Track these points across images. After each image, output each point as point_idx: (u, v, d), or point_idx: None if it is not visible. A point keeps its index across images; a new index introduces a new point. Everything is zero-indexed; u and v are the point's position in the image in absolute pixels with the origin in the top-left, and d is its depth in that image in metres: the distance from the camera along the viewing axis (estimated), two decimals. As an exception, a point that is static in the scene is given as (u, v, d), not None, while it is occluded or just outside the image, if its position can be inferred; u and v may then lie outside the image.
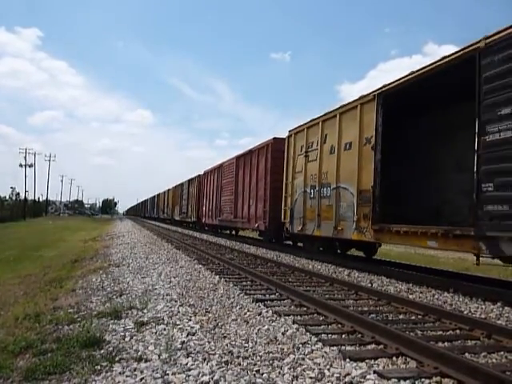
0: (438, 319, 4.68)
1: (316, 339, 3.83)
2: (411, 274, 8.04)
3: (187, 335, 3.86)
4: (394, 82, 8.09)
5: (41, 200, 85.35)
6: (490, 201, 5.93)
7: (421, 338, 3.79)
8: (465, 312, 5.23)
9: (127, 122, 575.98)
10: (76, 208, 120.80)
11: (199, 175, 25.70)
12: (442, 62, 7.02)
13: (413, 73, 7.59)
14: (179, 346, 3.56)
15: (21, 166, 64.19)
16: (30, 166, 65.52)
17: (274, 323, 4.36)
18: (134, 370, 3.04)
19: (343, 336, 4.03)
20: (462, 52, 6.61)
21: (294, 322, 4.40)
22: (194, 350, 3.47)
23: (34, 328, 4.20)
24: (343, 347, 3.63)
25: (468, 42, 6.46)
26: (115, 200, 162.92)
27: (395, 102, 8.46)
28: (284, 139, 12.88)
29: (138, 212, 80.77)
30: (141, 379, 2.87)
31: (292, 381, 2.90)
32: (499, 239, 5.80)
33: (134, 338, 3.80)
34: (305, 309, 5.12)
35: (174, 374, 2.96)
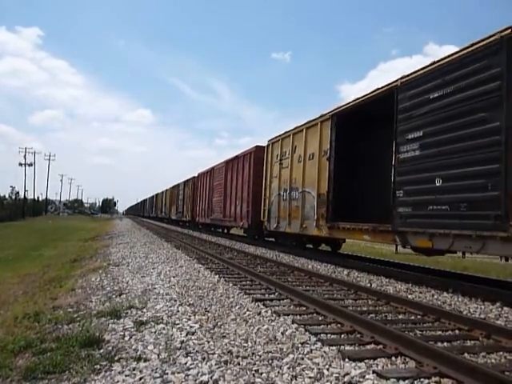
0: (437, 319, 4.69)
1: (315, 339, 3.83)
2: (410, 273, 8.05)
3: (186, 335, 3.87)
4: (343, 106, 9.91)
5: (40, 199, 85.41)
6: (400, 204, 7.64)
7: (420, 338, 3.80)
8: (464, 312, 5.23)
9: (127, 122, 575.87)
10: (76, 207, 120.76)
11: (194, 177, 27.05)
12: (374, 93, 8.75)
13: (356, 99, 9.37)
14: (178, 345, 3.56)
15: (20, 165, 64.21)
16: (30, 165, 65.54)
17: (273, 323, 4.37)
18: (134, 369, 3.04)
19: (342, 336, 4.04)
20: (386, 87, 8.34)
21: (293, 322, 4.40)
22: (194, 349, 3.47)
23: (33, 327, 4.20)
24: (342, 347, 3.63)
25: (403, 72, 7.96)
26: (115, 199, 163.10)
27: (350, 120, 10.13)
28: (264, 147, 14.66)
29: (138, 211, 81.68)
30: (140, 378, 2.87)
31: (291, 380, 2.90)
32: (406, 233, 7.54)
33: (134, 337, 3.80)
34: (304, 308, 5.12)
35: (173, 373, 2.96)
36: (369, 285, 7.15)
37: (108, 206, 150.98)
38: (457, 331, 4.31)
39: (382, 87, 8.46)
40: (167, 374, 2.95)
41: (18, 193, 66.27)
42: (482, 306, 5.61)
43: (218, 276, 7.45)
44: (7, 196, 66.07)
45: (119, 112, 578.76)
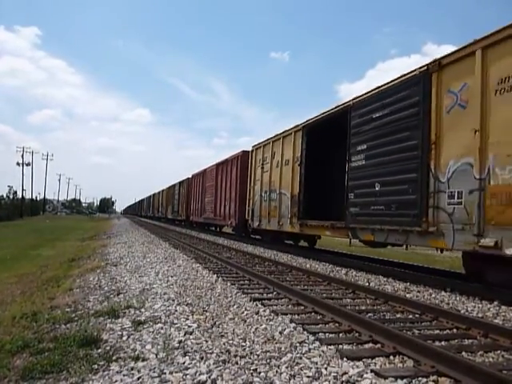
0: (435, 318, 4.70)
1: (313, 338, 3.83)
2: (408, 273, 8.07)
3: (184, 334, 3.86)
4: (312, 119, 11.37)
5: (38, 199, 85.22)
6: (351, 205, 9.18)
7: (418, 337, 3.80)
8: (462, 311, 5.24)
9: (126, 121, 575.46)
10: (73, 207, 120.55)
11: (188, 178, 28.65)
12: (335, 109, 10.27)
13: (321, 114, 10.93)
14: (176, 344, 3.56)
15: (18, 164, 64.08)
16: (28, 164, 65.41)
17: (271, 322, 4.37)
18: (132, 369, 3.04)
19: (340, 335, 4.04)
20: (342, 106, 9.93)
21: (291, 321, 4.40)
22: (192, 348, 3.47)
23: (31, 327, 4.19)
24: (340, 346, 3.63)
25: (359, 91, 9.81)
26: (113, 199, 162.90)
27: (321, 130, 11.36)
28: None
29: (136, 211, 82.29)
30: (138, 378, 2.87)
31: (289, 380, 2.90)
32: (356, 229, 9.09)
33: (132, 337, 3.80)
34: (302, 308, 5.13)
35: (171, 373, 2.96)
36: (367, 284, 7.16)
37: (106, 205, 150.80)
38: (454, 330, 4.32)
39: (340, 105, 10.06)
40: (165, 373, 2.95)
41: (15, 192, 66.11)
42: (480, 305, 5.62)
43: (216, 275, 7.44)
44: (5, 196, 65.90)
45: (118, 111, 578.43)
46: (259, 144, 15.11)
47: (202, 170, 24.05)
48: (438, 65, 7.09)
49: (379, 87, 8.52)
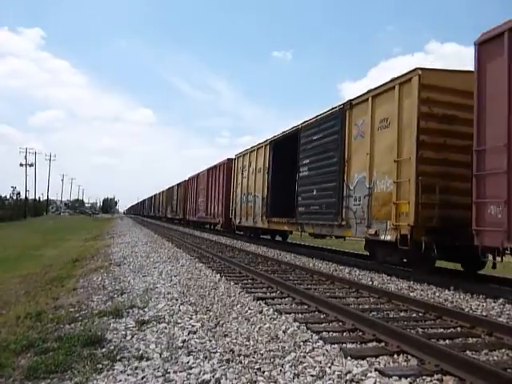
0: (438, 317, 4.68)
1: (317, 337, 3.83)
2: (412, 271, 8.04)
3: (188, 334, 3.87)
4: (277, 136, 14.13)
5: (41, 199, 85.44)
6: (299, 205, 11.83)
7: (422, 336, 3.79)
8: (466, 310, 5.23)
9: (128, 121, 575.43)
10: (76, 207, 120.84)
11: (185, 180, 31.05)
12: (291, 130, 12.87)
13: (282, 132, 13.59)
14: (180, 344, 3.56)
15: (21, 165, 64.21)
16: (31, 165, 65.53)
17: (275, 321, 4.37)
18: (136, 368, 3.04)
19: (344, 334, 4.04)
20: (295, 128, 12.49)
21: (295, 320, 4.40)
22: (195, 348, 3.47)
23: (35, 327, 4.21)
24: (344, 345, 3.63)
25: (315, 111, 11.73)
26: (116, 199, 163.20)
27: (282, 146, 13.84)
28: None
29: (138, 211, 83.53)
30: (142, 378, 2.87)
31: (293, 379, 2.90)
32: (302, 224, 11.72)
33: (136, 336, 3.81)
34: (306, 307, 5.12)
35: (175, 372, 2.96)
36: (370, 283, 7.14)
37: (109, 205, 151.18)
38: (459, 329, 4.31)
39: (294, 127, 12.64)
40: (169, 372, 2.95)
41: (19, 193, 66.27)
42: (484, 304, 5.60)
43: (219, 275, 7.45)
44: (8, 196, 66.08)
45: (120, 112, 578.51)
46: (240, 153, 17.74)
47: (196, 174, 26.65)
48: (350, 104, 9.53)
49: (317, 116, 11.10)
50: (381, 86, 8.52)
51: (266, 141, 14.75)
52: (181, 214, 31.59)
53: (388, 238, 7.92)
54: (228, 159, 19.71)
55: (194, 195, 26.70)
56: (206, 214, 22.83)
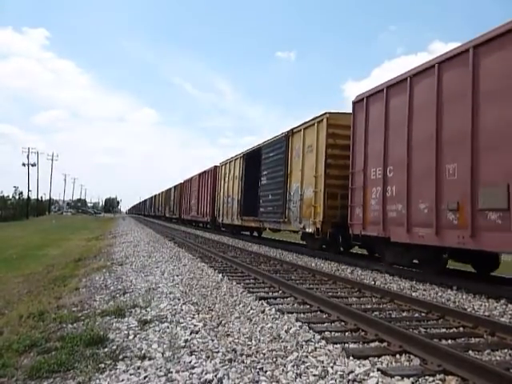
0: (441, 317, 4.68)
1: (319, 337, 3.83)
2: (414, 271, 8.04)
3: (190, 333, 3.87)
4: (247, 150, 17.37)
5: (44, 199, 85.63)
6: (260, 206, 15.08)
7: (424, 336, 3.79)
8: (468, 309, 5.22)
9: (131, 121, 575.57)
10: (79, 207, 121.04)
11: (180, 183, 34.26)
12: (257, 147, 16.10)
13: (251, 148, 16.78)
14: (183, 344, 3.57)
15: (24, 165, 64.34)
16: (33, 165, 65.66)
17: (277, 321, 4.37)
18: (138, 368, 3.05)
19: (346, 334, 4.04)
20: (259, 146, 15.75)
21: (297, 320, 4.40)
22: (198, 347, 3.48)
23: (38, 326, 4.22)
24: (346, 345, 3.63)
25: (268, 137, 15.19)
26: (118, 199, 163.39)
27: (252, 158, 16.52)
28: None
29: (140, 210, 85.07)
30: (145, 377, 2.88)
31: (295, 378, 2.90)
32: (263, 221, 14.92)
33: (138, 336, 3.81)
34: (308, 306, 5.12)
35: (177, 372, 2.97)
36: (373, 283, 7.14)
37: (111, 205, 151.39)
38: (461, 329, 4.31)
39: (257, 145, 16.03)
40: (172, 372, 2.96)
41: (21, 193, 66.43)
42: (487, 304, 5.59)
43: (221, 274, 7.45)
44: (11, 196, 66.24)
45: (124, 111, 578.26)
46: (223, 162, 21.07)
47: (190, 178, 29.94)
48: (292, 132, 12.82)
49: (273, 138, 14.44)
50: (308, 121, 11.69)
51: (241, 154, 17.91)
52: (177, 213, 34.83)
53: (310, 230, 11.10)
54: (214, 166, 22.90)
55: (188, 197, 29.93)
56: (198, 214, 26.09)
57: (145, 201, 77.12)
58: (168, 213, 40.41)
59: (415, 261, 8.06)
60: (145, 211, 70.96)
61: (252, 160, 16.41)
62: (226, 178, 19.93)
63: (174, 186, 37.34)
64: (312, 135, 11.32)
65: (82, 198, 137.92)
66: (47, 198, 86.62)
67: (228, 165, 19.80)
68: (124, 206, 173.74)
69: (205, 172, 24.84)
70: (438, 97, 7.06)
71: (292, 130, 12.70)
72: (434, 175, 6.97)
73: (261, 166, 15.21)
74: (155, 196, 56.21)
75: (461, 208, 6.46)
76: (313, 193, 11.01)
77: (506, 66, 5.84)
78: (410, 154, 7.60)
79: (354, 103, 9.55)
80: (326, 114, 10.77)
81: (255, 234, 19.92)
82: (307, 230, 11.26)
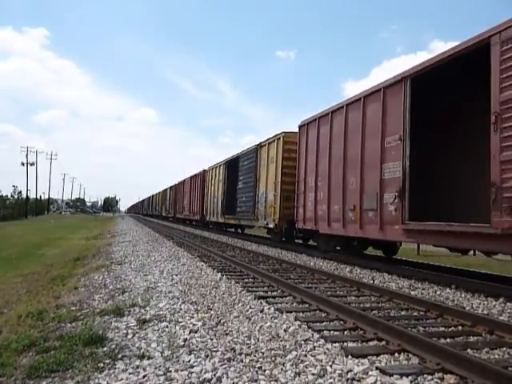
0: (440, 315, 4.69)
1: (318, 336, 3.83)
2: (413, 270, 8.05)
3: (189, 332, 3.87)
4: (229, 158, 19.70)
5: (43, 198, 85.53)
6: (237, 206, 17.55)
7: (423, 334, 3.79)
8: (467, 308, 5.23)
9: (131, 121, 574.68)
10: (78, 206, 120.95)
11: (175, 184, 36.59)
12: (236, 155, 18.51)
13: (232, 156, 19.00)
14: (182, 343, 3.57)
15: (23, 164, 64.27)
16: (32, 164, 65.62)
17: (276, 320, 4.37)
18: (137, 367, 3.05)
19: (345, 332, 4.04)
20: (237, 155, 18.35)
21: (296, 319, 4.40)
22: (197, 347, 3.48)
23: (36, 326, 4.22)
24: (345, 344, 3.63)
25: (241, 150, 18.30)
26: (117, 198, 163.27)
27: (233, 165, 18.80)
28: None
29: (138, 210, 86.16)
30: (143, 376, 2.88)
31: (294, 377, 2.90)
32: (240, 219, 17.58)
33: (137, 335, 3.81)
34: (307, 305, 5.13)
35: (176, 371, 2.97)
36: (371, 281, 7.15)
37: (110, 204, 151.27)
38: (460, 327, 4.31)
39: (236, 154, 18.55)
40: (171, 371, 2.96)
41: (20, 192, 66.36)
42: (485, 302, 5.60)
43: (220, 274, 7.45)
44: (10, 195, 66.15)
45: (123, 111, 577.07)
46: (210, 167, 23.58)
47: (183, 180, 32.56)
48: (260, 145, 15.40)
49: (247, 149, 17.01)
50: (271, 138, 14.35)
51: (224, 161, 20.47)
52: (172, 212, 37.64)
53: (271, 225, 13.83)
54: (203, 170, 25.52)
55: (182, 197, 32.59)
56: (189, 213, 28.93)
57: (143, 200, 78.71)
58: (164, 212, 43.23)
59: (338, 247, 10.69)
60: (143, 210, 72.85)
61: (232, 167, 18.91)
62: (213, 181, 22.49)
63: (170, 187, 39.58)
64: (273, 149, 14.04)
65: (81, 197, 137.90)
66: (46, 197, 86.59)
67: (214, 170, 22.37)
68: (123, 206, 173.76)
69: (196, 175, 27.48)
70: (345, 129, 9.62)
71: (260, 144, 15.41)
72: (342, 185, 9.59)
73: (238, 172, 17.88)
74: (153, 196, 58.53)
75: (355, 208, 9.08)
76: (273, 196, 13.69)
77: (376, 113, 8.44)
78: (330, 169, 10.20)
79: (299, 127, 12.11)
80: (282, 133, 13.51)
81: (237, 230, 22.20)
82: (269, 225, 14.07)
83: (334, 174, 9.95)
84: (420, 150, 8.28)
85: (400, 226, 7.65)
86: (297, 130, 12.41)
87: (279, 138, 13.59)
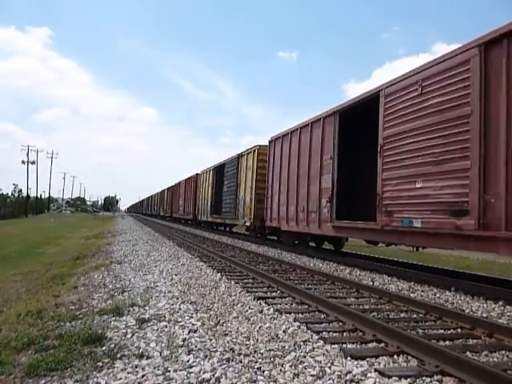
0: (439, 318, 4.69)
1: (317, 337, 3.83)
2: (413, 272, 8.05)
3: (189, 332, 3.87)
4: (217, 164, 21.95)
5: (43, 197, 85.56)
6: (223, 207, 20.03)
7: (422, 337, 3.79)
8: (466, 311, 5.23)
9: (132, 120, 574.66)
10: (78, 205, 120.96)
11: (172, 186, 39.12)
12: (221, 162, 21.17)
13: (219, 163, 21.48)
14: (181, 343, 3.57)
15: (23, 162, 64.30)
16: (33, 163, 65.62)
17: (275, 321, 4.37)
18: (136, 366, 3.05)
19: (344, 334, 4.04)
20: (224, 162, 20.82)
21: (295, 320, 4.40)
22: (196, 347, 3.48)
23: (36, 324, 4.21)
24: (344, 345, 3.63)
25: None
26: (117, 197, 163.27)
27: (220, 171, 21.29)
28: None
29: (138, 209, 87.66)
30: (142, 376, 2.88)
31: (293, 378, 2.90)
32: (225, 218, 19.83)
33: (136, 334, 3.81)
34: (306, 306, 5.13)
35: (175, 370, 2.97)
36: (371, 283, 7.14)
37: (110, 203, 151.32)
38: (459, 330, 4.31)
39: (223, 161, 20.85)
40: (169, 371, 2.96)
41: (20, 191, 66.41)
42: (485, 305, 5.60)
43: (220, 274, 7.45)
44: (10, 194, 66.18)
45: (124, 110, 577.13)
46: (202, 172, 26.02)
47: (179, 182, 34.77)
48: (241, 155, 17.65)
49: (231, 157, 19.29)
50: (249, 149, 16.89)
51: (213, 166, 22.88)
52: (169, 212, 39.92)
53: (248, 224, 16.38)
54: (196, 174, 27.91)
55: (177, 198, 34.97)
56: (184, 213, 31.52)
57: (143, 200, 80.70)
58: (162, 212, 46.03)
59: (296, 242, 12.99)
60: (143, 210, 75.02)
61: (219, 172, 21.42)
62: (204, 185, 24.90)
63: (167, 188, 42.09)
64: (250, 159, 16.61)
65: (82, 196, 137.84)
66: (46, 196, 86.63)
67: (205, 174, 24.90)
68: (123, 205, 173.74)
69: (190, 178, 30.02)
70: (299, 147, 12.02)
71: (241, 154, 17.91)
72: (296, 191, 12.01)
73: (224, 177, 20.29)
74: (152, 196, 61.55)
75: (304, 210, 11.40)
76: (249, 199, 16.13)
77: (318, 137, 10.86)
78: (289, 178, 12.56)
79: (269, 142, 14.58)
80: (257, 146, 16.21)
81: (226, 228, 24.04)
82: (247, 223, 16.57)
83: (291, 182, 12.39)
84: (351, 166, 11.29)
85: (330, 224, 10.11)
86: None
87: (255, 151, 16.24)
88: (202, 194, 25.19)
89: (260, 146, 15.96)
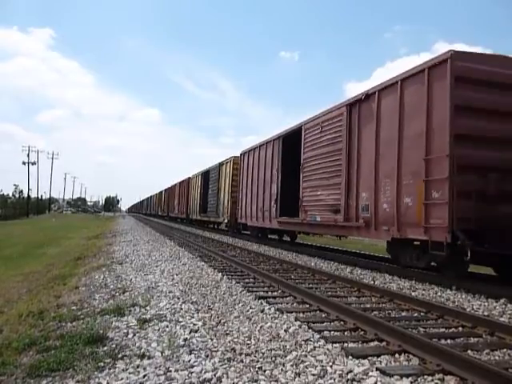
0: (440, 316, 4.68)
1: (318, 336, 3.83)
2: (414, 271, 8.04)
3: (190, 332, 3.88)
4: (205, 170, 25.98)
5: (44, 198, 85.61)
6: (208, 207, 24.52)
7: (423, 335, 3.79)
8: (468, 309, 5.22)
9: (133, 120, 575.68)
10: (79, 206, 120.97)
11: (168, 187, 42.58)
12: (205, 170, 26.03)
13: (206, 169, 25.88)
14: (182, 342, 3.57)
15: (24, 163, 64.30)
16: (34, 163, 65.62)
17: (276, 320, 4.37)
18: (137, 366, 3.05)
19: (346, 333, 4.04)
20: (207, 169, 25.73)
21: (296, 319, 4.40)
22: (197, 346, 3.48)
23: (37, 325, 4.22)
24: (346, 344, 3.63)
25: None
26: (118, 197, 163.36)
27: (206, 176, 25.30)
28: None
29: (139, 209, 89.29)
30: (144, 376, 2.88)
31: (295, 378, 2.90)
32: (210, 217, 23.86)
33: (137, 335, 3.82)
34: (307, 306, 5.13)
35: (176, 370, 2.97)
36: (372, 282, 7.14)
37: (111, 204, 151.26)
38: (460, 328, 4.31)
39: (208, 168, 24.93)
40: (171, 371, 2.96)
41: (21, 191, 66.46)
42: (486, 303, 5.59)
43: (220, 273, 7.45)
44: (11, 194, 66.24)
45: (126, 111, 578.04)
46: (193, 176, 29.45)
47: (174, 184, 38.23)
48: (221, 164, 21.65)
49: (214, 165, 23.13)
50: (227, 159, 20.44)
51: (201, 172, 26.51)
52: (166, 211, 43.16)
53: (226, 221, 19.94)
54: (188, 177, 31.11)
55: (173, 198, 38.43)
56: (178, 212, 35.11)
57: (143, 201, 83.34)
58: (160, 211, 49.54)
59: (259, 235, 16.20)
60: (143, 210, 77.88)
61: (206, 177, 25.14)
62: (194, 187, 28.27)
63: (165, 189, 45.70)
64: (228, 168, 20.12)
65: (82, 196, 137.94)
66: (47, 196, 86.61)
67: (195, 178, 28.39)
68: (124, 205, 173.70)
69: (183, 181, 33.28)
70: (258, 161, 15.50)
71: (221, 162, 21.66)
72: (256, 195, 15.44)
73: (209, 181, 23.99)
74: (151, 197, 64.91)
75: (262, 209, 14.79)
76: (227, 200, 19.76)
77: (270, 154, 14.45)
78: (252, 184, 16.01)
79: (240, 155, 18.05)
80: (233, 157, 19.68)
81: (215, 226, 26.42)
82: (225, 221, 20.16)
83: (254, 187, 15.86)
84: (291, 177, 12.94)
85: (276, 220, 13.60)
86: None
87: (231, 161, 19.92)
88: (192, 196, 28.85)
89: (235, 157, 19.37)
